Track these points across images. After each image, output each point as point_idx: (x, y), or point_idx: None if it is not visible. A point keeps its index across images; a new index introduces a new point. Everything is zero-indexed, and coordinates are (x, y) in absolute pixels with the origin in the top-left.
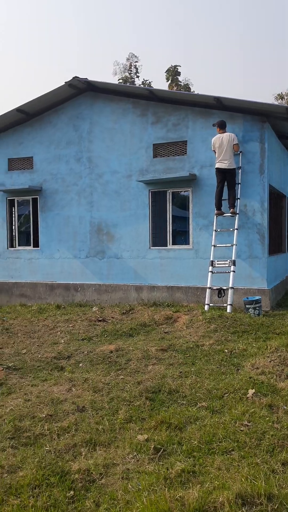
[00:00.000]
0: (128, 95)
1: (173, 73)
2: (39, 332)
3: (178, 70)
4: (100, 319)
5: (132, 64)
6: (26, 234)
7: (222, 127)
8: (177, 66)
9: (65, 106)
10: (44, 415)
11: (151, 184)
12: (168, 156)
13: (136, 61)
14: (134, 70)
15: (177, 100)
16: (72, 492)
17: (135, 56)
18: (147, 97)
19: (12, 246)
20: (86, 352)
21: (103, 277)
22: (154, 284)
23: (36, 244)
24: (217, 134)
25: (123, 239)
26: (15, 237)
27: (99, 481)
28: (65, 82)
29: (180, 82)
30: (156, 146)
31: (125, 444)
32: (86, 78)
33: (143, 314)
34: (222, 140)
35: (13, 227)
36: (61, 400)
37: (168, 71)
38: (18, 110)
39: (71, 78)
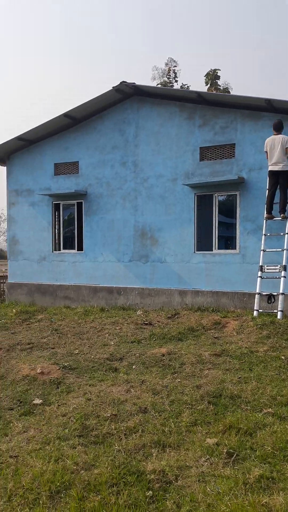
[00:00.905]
0: (175, 98)
1: (212, 77)
2: (87, 334)
3: (218, 74)
4: (146, 322)
5: (170, 68)
6: (71, 238)
7: (276, 128)
8: (217, 70)
9: (110, 111)
10: (108, 415)
11: (197, 188)
12: (215, 159)
13: (175, 66)
14: (172, 75)
15: (226, 103)
16: (150, 492)
17: (174, 61)
18: (195, 100)
19: (57, 249)
20: (137, 354)
21: (146, 281)
22: (199, 289)
23: (80, 248)
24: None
25: (167, 243)
26: (60, 240)
27: (176, 483)
28: (113, 87)
29: (220, 86)
30: (203, 149)
31: (195, 447)
32: (134, 83)
33: (189, 319)
34: (274, 142)
35: (58, 230)
36: (122, 401)
37: (207, 75)
38: (66, 115)
39: (119, 83)
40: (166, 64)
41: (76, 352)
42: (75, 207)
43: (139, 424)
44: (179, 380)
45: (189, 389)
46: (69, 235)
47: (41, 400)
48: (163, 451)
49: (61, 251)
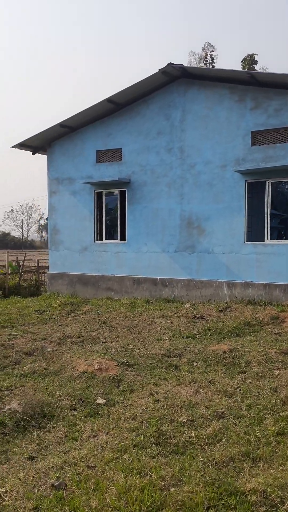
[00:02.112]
0: (225, 80)
1: (249, 62)
2: (137, 327)
3: (255, 59)
4: (197, 316)
5: (208, 53)
6: (113, 228)
7: None
8: (254, 54)
9: (155, 95)
10: (184, 420)
11: (248, 174)
12: (268, 143)
13: (212, 51)
14: (209, 60)
15: (280, 84)
16: None
17: (211, 46)
18: (246, 81)
19: (99, 239)
20: (196, 351)
21: (192, 273)
22: (249, 281)
23: (123, 238)
24: None
25: (215, 233)
26: (102, 230)
27: (282, 507)
28: (159, 70)
29: (257, 71)
30: (255, 133)
31: None
32: (182, 65)
33: (243, 312)
34: None
35: (100, 220)
36: (194, 404)
37: (244, 60)
38: (109, 100)
39: (165, 65)
40: (203, 49)
41: (131, 347)
42: (118, 195)
43: (219, 431)
44: (250, 381)
45: (264, 392)
46: (112, 225)
47: (104, 400)
48: (255, 465)
49: (103, 241)
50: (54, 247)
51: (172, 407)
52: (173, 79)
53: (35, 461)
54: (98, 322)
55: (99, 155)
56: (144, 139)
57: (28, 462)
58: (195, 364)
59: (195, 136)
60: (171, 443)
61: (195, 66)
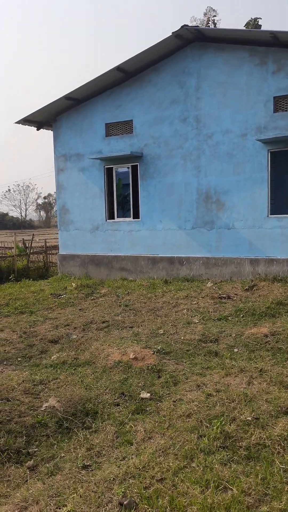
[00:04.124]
0: (244, 42)
1: (253, 26)
2: (162, 310)
3: (259, 23)
4: (223, 296)
5: (210, 19)
6: (125, 205)
7: None
8: (258, 18)
9: (167, 62)
10: (248, 418)
11: (271, 143)
12: None
13: (214, 16)
14: (212, 25)
15: None
16: None
17: (213, 10)
18: (267, 42)
19: (111, 217)
20: (233, 335)
21: (211, 250)
22: (273, 257)
23: (136, 215)
24: None
25: (236, 207)
26: (114, 208)
27: None
28: (172, 33)
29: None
30: (277, 98)
31: None
32: (197, 26)
33: (272, 291)
34: None
35: (111, 197)
36: (251, 398)
37: (247, 24)
38: (118, 68)
39: (179, 27)
40: (205, 14)
41: (161, 332)
42: (130, 170)
43: None
44: None
45: None
46: (124, 202)
47: (148, 394)
48: None
49: (115, 220)
50: (64, 227)
51: (229, 402)
52: (186, 43)
53: (91, 471)
54: (120, 305)
55: (109, 128)
56: (157, 109)
57: (83, 472)
58: (236, 350)
59: (212, 104)
60: (240, 447)
61: None
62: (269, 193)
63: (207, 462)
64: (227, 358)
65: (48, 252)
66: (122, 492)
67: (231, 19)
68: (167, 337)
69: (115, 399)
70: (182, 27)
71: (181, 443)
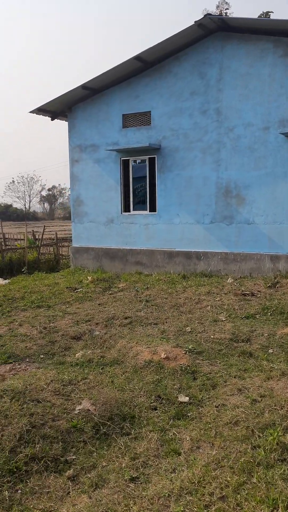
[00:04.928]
0: (268, 32)
1: None
2: (185, 306)
3: (271, 17)
4: (247, 293)
5: (222, 11)
6: (142, 198)
7: None
8: (269, 12)
9: (188, 51)
10: None
11: None
12: None
13: (227, 8)
14: None
15: None
16: None
17: (226, 3)
18: None
19: (126, 210)
20: (266, 334)
21: (230, 245)
22: None
23: (153, 209)
24: None
25: (256, 202)
26: (130, 201)
27: None
28: (195, 22)
29: None
30: None
31: None
32: (221, 15)
33: None
34: None
35: (127, 190)
36: None
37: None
38: (137, 58)
39: (203, 16)
40: (217, 6)
41: (189, 330)
42: (147, 163)
43: None
44: None
45: None
46: (140, 195)
47: (187, 397)
48: None
49: (131, 213)
50: (78, 219)
51: (278, 409)
52: (209, 32)
53: (140, 484)
54: (140, 301)
55: (126, 119)
56: (176, 100)
57: (131, 485)
58: (270, 351)
59: (234, 96)
60: None
61: None
62: None
63: (268, 477)
64: (264, 359)
65: (58, 245)
66: (181, 510)
67: (243, 13)
68: (196, 336)
69: (151, 403)
70: (205, 16)
71: (234, 455)
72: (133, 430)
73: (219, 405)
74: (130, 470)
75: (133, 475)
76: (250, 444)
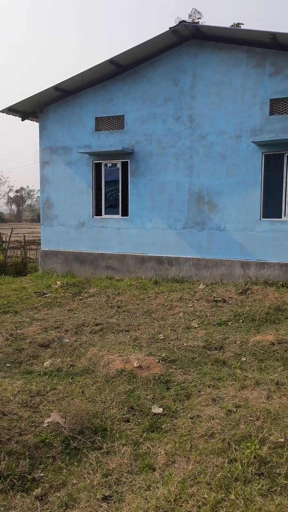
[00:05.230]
0: (242, 42)
1: None
2: (157, 312)
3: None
4: (219, 299)
5: (194, 21)
6: (114, 202)
7: None
8: (240, 24)
9: (163, 57)
10: (281, 440)
11: (265, 146)
12: None
13: (199, 18)
14: None
15: None
16: None
17: (198, 12)
18: (266, 44)
19: (98, 214)
20: (238, 342)
21: (202, 251)
22: (264, 261)
23: (125, 213)
24: None
25: (228, 208)
26: (102, 204)
27: None
28: (169, 28)
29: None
30: (274, 101)
31: None
32: (196, 23)
33: (267, 295)
34: None
35: (99, 193)
36: (275, 414)
37: None
38: (111, 61)
39: (178, 23)
40: (190, 15)
41: (162, 338)
42: (120, 167)
43: None
44: None
45: None
46: (112, 199)
47: (161, 408)
48: None
49: (102, 216)
50: (47, 222)
51: (253, 420)
52: (183, 40)
53: (113, 503)
54: (112, 307)
55: (99, 122)
56: (150, 105)
57: (104, 505)
58: (244, 359)
59: (207, 104)
60: (279, 474)
61: None
62: (262, 197)
63: (246, 493)
64: (237, 368)
65: (26, 248)
66: None
67: (215, 23)
68: (169, 343)
69: (124, 414)
70: (180, 22)
71: (211, 470)
72: (105, 444)
73: (193, 416)
74: (102, 488)
75: (106, 494)
76: (226, 458)
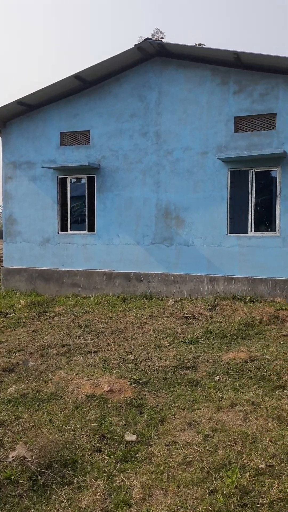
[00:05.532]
0: (206, 60)
1: None
2: (127, 331)
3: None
4: (188, 315)
5: (157, 40)
6: (80, 217)
7: None
8: (201, 44)
9: (128, 74)
10: (262, 466)
11: (231, 163)
12: (253, 130)
13: (162, 38)
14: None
15: (266, 67)
16: None
17: (161, 32)
18: (229, 63)
19: (63, 230)
20: (211, 360)
21: (170, 266)
22: (232, 275)
23: (91, 229)
24: None
25: (195, 224)
26: (67, 220)
27: None
28: (135, 45)
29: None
30: (238, 119)
31: None
32: (161, 40)
33: (236, 311)
34: None
35: (65, 209)
36: (253, 438)
37: None
38: (76, 76)
39: (143, 40)
40: (153, 35)
41: (132, 358)
42: (86, 182)
43: None
44: None
45: None
46: (78, 215)
47: (134, 435)
48: None
49: (68, 232)
50: (10, 238)
51: (231, 445)
52: (149, 56)
53: None
54: (79, 326)
55: (64, 137)
56: (116, 121)
57: None
58: (217, 378)
59: (173, 120)
60: (263, 504)
61: None
62: (229, 212)
63: None
64: (211, 388)
65: None
66: None
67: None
68: (140, 364)
69: (95, 443)
70: (145, 39)
71: (191, 503)
72: (76, 478)
73: (169, 442)
74: None
75: None
76: (207, 489)
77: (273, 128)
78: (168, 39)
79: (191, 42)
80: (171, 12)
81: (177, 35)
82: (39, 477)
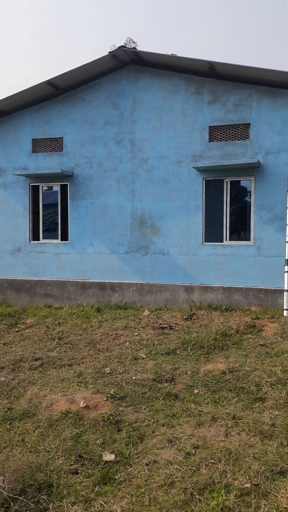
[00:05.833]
0: (180, 69)
1: None
2: (102, 343)
3: None
4: (165, 326)
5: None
6: (53, 226)
7: None
8: (174, 54)
9: (102, 81)
10: (247, 486)
11: (206, 172)
12: (227, 140)
13: (134, 47)
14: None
15: (240, 77)
16: None
17: (133, 42)
18: (204, 72)
19: (35, 239)
20: (189, 372)
21: (145, 276)
22: (207, 285)
23: (64, 237)
24: None
25: (170, 233)
26: (40, 228)
27: None
28: (109, 53)
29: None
30: (212, 128)
31: None
32: (135, 48)
33: (212, 320)
34: None
35: (37, 217)
36: (236, 454)
37: None
38: (49, 83)
39: (117, 48)
40: (125, 44)
41: (108, 371)
42: (59, 190)
43: None
44: (277, 412)
45: None
46: (51, 223)
47: (112, 455)
48: None
49: (40, 241)
50: None
51: (214, 463)
52: (123, 64)
53: None
54: (52, 338)
55: (36, 144)
56: (90, 128)
57: None
58: (196, 391)
59: (148, 128)
60: None
61: None
62: (204, 221)
63: None
64: (190, 401)
65: None
66: None
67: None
68: (116, 377)
69: (71, 465)
70: (119, 47)
71: None
72: (51, 504)
73: (149, 462)
74: None
75: None
76: (186, 510)
77: (247, 138)
78: (141, 48)
79: (165, 52)
80: (145, 22)
81: (149, 45)
82: (11, 503)
